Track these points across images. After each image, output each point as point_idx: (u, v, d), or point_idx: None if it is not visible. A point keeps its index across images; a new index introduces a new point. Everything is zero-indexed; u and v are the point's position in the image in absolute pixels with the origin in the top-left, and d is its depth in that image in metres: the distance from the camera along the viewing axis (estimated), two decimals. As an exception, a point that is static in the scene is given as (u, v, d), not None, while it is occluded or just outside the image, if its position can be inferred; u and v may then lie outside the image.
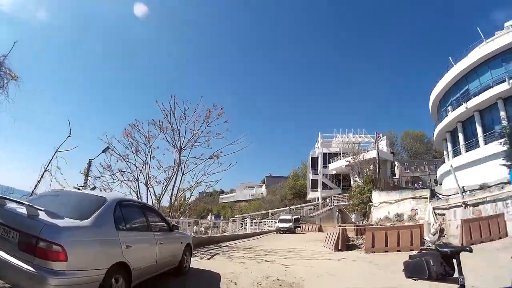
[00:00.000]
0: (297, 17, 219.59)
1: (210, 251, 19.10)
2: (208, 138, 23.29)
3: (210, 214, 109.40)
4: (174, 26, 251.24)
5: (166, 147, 23.39)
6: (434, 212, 25.41)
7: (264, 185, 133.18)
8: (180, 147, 22.87)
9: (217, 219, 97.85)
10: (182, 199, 25.48)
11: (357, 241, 24.09)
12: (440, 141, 54.59)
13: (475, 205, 21.37)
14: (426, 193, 29.66)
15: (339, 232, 21.79)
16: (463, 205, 22.18)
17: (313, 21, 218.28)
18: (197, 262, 14.06)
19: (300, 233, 48.88)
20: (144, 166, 22.60)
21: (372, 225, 33.86)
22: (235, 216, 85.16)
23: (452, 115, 45.36)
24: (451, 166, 29.39)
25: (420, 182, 69.51)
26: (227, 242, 26.62)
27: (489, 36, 40.51)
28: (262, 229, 54.85)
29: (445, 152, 52.19)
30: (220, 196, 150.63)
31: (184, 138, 22.85)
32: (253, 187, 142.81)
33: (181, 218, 23.76)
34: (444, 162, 52.14)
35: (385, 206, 37.06)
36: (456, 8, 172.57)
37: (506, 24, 42.21)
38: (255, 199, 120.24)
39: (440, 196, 28.61)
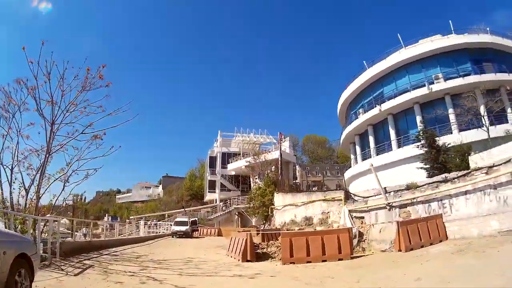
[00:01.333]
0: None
1: (85, 261, 14.45)
2: (88, 113, 17.14)
3: (106, 215, 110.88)
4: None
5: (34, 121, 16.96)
6: (350, 215, 23.09)
7: (161, 185, 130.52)
8: (53, 121, 16.46)
9: (113, 221, 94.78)
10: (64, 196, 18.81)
11: (268, 249, 19.79)
12: (348, 145, 53.37)
13: (402, 206, 18.94)
14: (340, 194, 26.56)
15: (246, 239, 17.32)
16: (387, 207, 19.66)
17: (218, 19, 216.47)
18: (56, 281, 9.90)
19: (198, 237, 44.96)
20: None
21: (278, 229, 29.97)
22: (130, 217, 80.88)
23: (363, 117, 44.22)
24: (372, 165, 26.64)
25: (324, 186, 65.79)
26: (112, 249, 21.66)
27: (408, 44, 41.09)
28: (157, 232, 51.12)
29: (352, 156, 51.19)
30: (117, 196, 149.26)
31: (58, 109, 16.36)
32: (150, 188, 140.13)
33: (48, 215, 16.60)
34: (350, 167, 51.00)
35: (291, 209, 34.56)
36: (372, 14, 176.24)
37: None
38: (151, 200, 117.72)
39: (356, 198, 25.66)
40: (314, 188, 62.08)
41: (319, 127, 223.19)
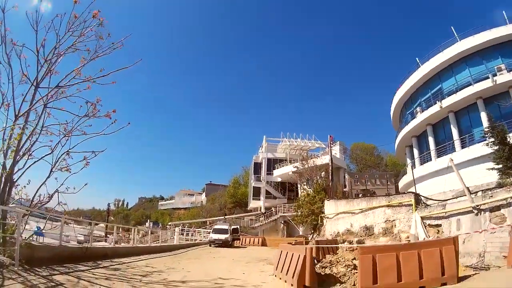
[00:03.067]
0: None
1: (58, 276, 10.36)
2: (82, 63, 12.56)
3: (148, 220, 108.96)
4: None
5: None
6: (423, 223, 19.33)
7: (204, 193, 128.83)
8: (37, 80, 12.25)
9: (154, 226, 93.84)
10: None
11: (334, 269, 14.45)
12: (402, 150, 49.36)
13: (493, 209, 14.93)
14: (409, 198, 22.64)
15: (305, 255, 11.78)
16: (474, 211, 15.83)
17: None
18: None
19: (239, 247, 40.80)
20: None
21: (334, 240, 26.48)
22: (169, 224, 78.59)
23: (421, 116, 40.12)
24: (451, 160, 23.35)
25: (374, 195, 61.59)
26: (120, 259, 17.29)
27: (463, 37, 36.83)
28: (195, 240, 47.72)
29: (408, 160, 46.53)
30: (160, 203, 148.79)
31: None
32: (193, 195, 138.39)
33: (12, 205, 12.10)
34: (405, 173, 46.39)
35: (345, 217, 31.33)
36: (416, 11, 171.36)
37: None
38: (194, 207, 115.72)
39: (430, 203, 21.84)
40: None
41: (366, 135, 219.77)
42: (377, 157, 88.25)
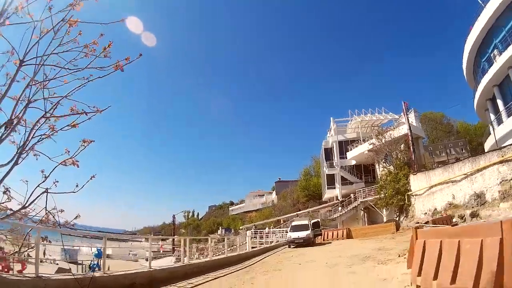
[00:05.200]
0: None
1: None
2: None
3: (220, 228, 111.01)
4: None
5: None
6: None
7: (274, 191, 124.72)
8: None
9: (227, 233, 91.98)
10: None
11: None
12: (483, 104, 42.98)
13: None
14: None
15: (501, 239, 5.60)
16: None
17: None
18: None
19: (323, 244, 35.83)
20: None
21: (435, 222, 21.75)
22: (240, 228, 75.43)
23: (500, 59, 33.88)
24: None
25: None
26: None
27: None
28: (270, 242, 43.85)
29: (492, 116, 40.51)
30: (230, 208, 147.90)
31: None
32: (263, 195, 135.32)
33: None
34: (489, 134, 41.19)
35: (443, 188, 27.08)
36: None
37: None
38: (265, 207, 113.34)
39: None
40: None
41: (433, 103, 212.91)
42: (447, 125, 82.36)
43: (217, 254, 34.53)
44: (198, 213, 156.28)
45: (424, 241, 8.03)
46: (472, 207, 22.10)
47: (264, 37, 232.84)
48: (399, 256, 14.63)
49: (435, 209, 28.82)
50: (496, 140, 28.79)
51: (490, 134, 40.59)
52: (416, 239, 8.97)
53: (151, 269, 13.80)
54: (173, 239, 65.80)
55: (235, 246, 40.42)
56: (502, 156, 20.02)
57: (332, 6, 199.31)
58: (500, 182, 20.03)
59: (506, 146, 20.59)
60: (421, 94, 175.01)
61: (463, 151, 46.61)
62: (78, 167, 7.72)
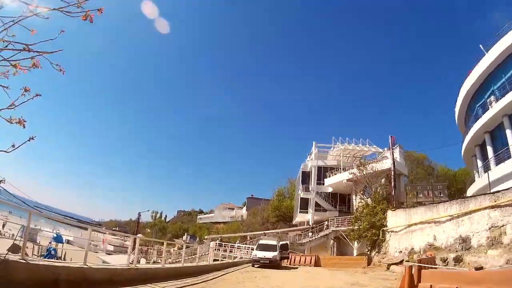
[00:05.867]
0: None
1: None
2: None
3: (186, 234, 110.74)
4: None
5: None
6: None
7: (245, 207, 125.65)
8: None
9: (191, 240, 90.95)
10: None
11: None
12: (471, 150, 42.08)
13: None
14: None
15: None
16: None
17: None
18: None
19: (289, 268, 33.95)
20: None
21: (420, 262, 20.52)
22: (205, 237, 74.17)
23: (497, 106, 32.99)
24: None
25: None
26: None
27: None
28: (234, 257, 42.09)
29: (479, 163, 39.82)
30: (199, 216, 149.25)
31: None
32: (233, 209, 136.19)
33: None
34: (473, 181, 40.43)
35: (424, 228, 26.55)
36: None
37: None
38: (234, 221, 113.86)
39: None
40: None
41: (417, 145, 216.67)
42: (428, 167, 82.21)
43: (175, 261, 32.39)
44: (166, 215, 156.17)
45: (431, 286, 6.47)
46: (456, 251, 21.03)
47: (251, 52, 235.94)
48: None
49: (412, 248, 27.77)
50: (489, 183, 27.75)
51: (474, 180, 40.10)
52: (418, 282, 7.58)
53: (85, 266, 10.89)
54: (135, 238, 64.26)
55: (195, 256, 38.55)
56: (495, 201, 19.00)
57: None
58: (490, 228, 18.99)
59: (500, 191, 19.51)
60: (407, 134, 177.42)
61: (441, 195, 45.81)
62: (24, 127, 6.37)
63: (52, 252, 35.17)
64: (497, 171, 31.68)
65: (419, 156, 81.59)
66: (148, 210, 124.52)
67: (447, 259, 21.20)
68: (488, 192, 22.52)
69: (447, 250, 22.16)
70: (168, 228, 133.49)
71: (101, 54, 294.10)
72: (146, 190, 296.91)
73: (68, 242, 53.13)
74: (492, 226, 18.90)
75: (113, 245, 73.58)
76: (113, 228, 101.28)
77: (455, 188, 60.48)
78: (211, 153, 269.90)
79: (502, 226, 18.24)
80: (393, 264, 29.25)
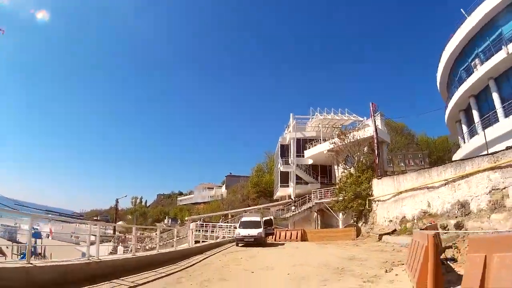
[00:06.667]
0: None
1: None
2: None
3: (167, 217, 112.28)
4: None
5: None
6: None
7: (224, 185, 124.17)
8: None
9: (172, 223, 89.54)
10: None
11: None
12: (455, 116, 41.29)
13: None
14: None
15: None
16: None
17: None
18: None
19: (275, 244, 31.83)
20: None
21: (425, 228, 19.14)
22: (186, 219, 72.73)
23: (482, 68, 32.19)
24: None
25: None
26: None
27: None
28: (216, 237, 40.73)
29: (464, 128, 39.03)
30: (178, 198, 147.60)
31: None
32: (213, 188, 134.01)
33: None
34: (459, 147, 40.17)
35: (416, 195, 25.78)
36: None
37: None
38: (214, 201, 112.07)
39: None
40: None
41: (395, 114, 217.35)
42: (407, 135, 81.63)
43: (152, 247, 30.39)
44: (146, 200, 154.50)
45: (486, 256, 4.95)
46: (456, 217, 19.91)
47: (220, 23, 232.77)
48: (386, 272, 11.82)
49: (404, 216, 26.81)
50: (486, 144, 26.73)
51: (459, 146, 39.53)
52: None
53: (29, 265, 8.69)
54: (114, 226, 62.82)
55: (177, 239, 36.58)
56: (495, 162, 17.85)
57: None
58: (490, 191, 17.90)
59: (500, 151, 18.34)
60: (385, 102, 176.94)
61: (423, 163, 45.16)
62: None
63: (32, 250, 33.77)
64: (482, 136, 30.92)
65: (398, 124, 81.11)
66: (126, 196, 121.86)
67: (447, 226, 20.12)
68: (486, 153, 21.42)
69: (445, 216, 21.10)
70: (149, 213, 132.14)
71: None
72: (124, 177, 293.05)
73: (48, 236, 51.52)
74: (492, 189, 17.85)
75: (95, 235, 71.84)
76: (95, 218, 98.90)
77: (435, 156, 59.95)
78: (186, 133, 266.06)
79: (504, 188, 17.20)
80: (385, 234, 28.29)
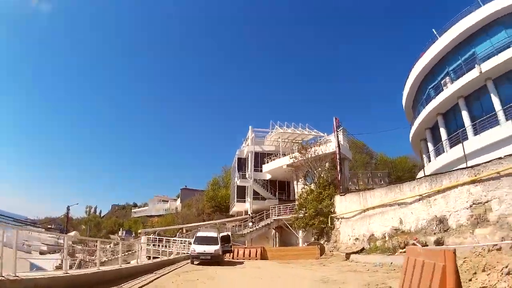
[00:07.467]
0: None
1: None
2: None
3: (121, 229, 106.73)
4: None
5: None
6: None
7: (179, 198, 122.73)
8: None
9: (127, 236, 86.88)
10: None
11: None
12: (421, 133, 40.68)
13: None
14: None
15: None
16: None
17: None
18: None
19: (233, 263, 29.50)
20: None
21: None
22: (139, 231, 70.35)
23: (454, 86, 31.89)
24: None
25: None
26: None
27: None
28: (169, 253, 37.11)
29: (430, 146, 38.60)
30: (133, 210, 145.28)
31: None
32: (167, 201, 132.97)
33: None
34: (423, 167, 38.43)
35: (386, 212, 24.91)
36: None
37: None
38: (168, 214, 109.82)
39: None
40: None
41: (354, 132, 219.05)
42: (366, 155, 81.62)
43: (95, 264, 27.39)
44: (101, 210, 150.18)
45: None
46: (434, 234, 18.74)
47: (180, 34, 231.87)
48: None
49: (372, 234, 25.65)
50: (465, 156, 25.75)
51: (418, 167, 39.11)
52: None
53: None
54: (65, 237, 59.37)
55: (129, 253, 33.68)
56: (475, 175, 16.84)
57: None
58: (471, 205, 17.05)
59: (481, 164, 17.37)
60: (347, 122, 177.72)
61: (382, 182, 44.45)
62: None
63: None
64: (450, 155, 31.40)
65: (358, 142, 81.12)
66: (77, 204, 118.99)
67: (425, 243, 18.81)
68: (466, 166, 20.30)
69: (421, 233, 20.07)
70: (103, 223, 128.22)
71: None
72: (78, 185, 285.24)
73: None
74: (473, 203, 17.01)
75: (47, 244, 68.11)
76: (48, 226, 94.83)
77: (394, 176, 59.44)
78: (142, 144, 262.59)
79: (487, 202, 16.50)
80: (353, 253, 26.77)
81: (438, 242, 18.03)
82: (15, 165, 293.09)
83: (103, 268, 15.01)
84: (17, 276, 8.48)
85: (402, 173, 64.69)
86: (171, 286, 13.91)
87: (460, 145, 29.28)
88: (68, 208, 69.12)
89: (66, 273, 11.03)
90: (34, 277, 9.48)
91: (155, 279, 15.87)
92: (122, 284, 12.71)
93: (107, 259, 41.67)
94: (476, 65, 29.31)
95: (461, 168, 19.72)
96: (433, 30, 35.79)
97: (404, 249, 19.96)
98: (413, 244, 16.85)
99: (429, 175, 23.68)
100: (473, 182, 17.12)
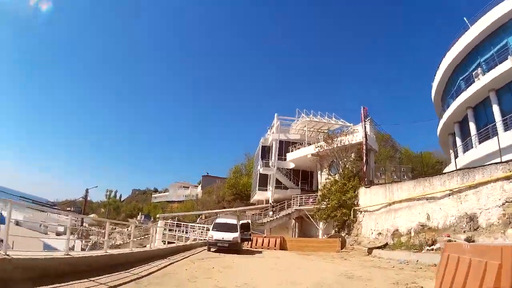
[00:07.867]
0: None
1: None
2: None
3: (140, 213, 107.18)
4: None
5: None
6: None
7: (200, 185, 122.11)
8: None
9: (145, 220, 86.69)
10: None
11: None
12: (450, 127, 39.22)
13: None
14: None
15: None
16: None
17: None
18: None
19: (252, 252, 28.67)
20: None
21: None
22: (157, 216, 70.09)
23: (485, 78, 30.01)
24: None
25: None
26: None
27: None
28: (186, 238, 36.48)
29: (458, 141, 37.04)
30: (153, 195, 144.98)
31: None
32: (188, 187, 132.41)
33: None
34: (454, 160, 35.55)
35: (413, 206, 23.82)
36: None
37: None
38: (188, 200, 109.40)
39: None
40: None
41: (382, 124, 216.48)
42: (391, 148, 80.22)
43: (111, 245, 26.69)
44: (121, 194, 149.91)
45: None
46: (464, 232, 17.82)
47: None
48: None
49: (397, 230, 24.91)
50: (500, 150, 24.59)
51: (441, 163, 37.75)
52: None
53: None
54: (82, 218, 59.61)
55: (137, 239, 32.92)
56: (510, 171, 15.74)
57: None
58: (504, 203, 16.00)
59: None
60: (374, 114, 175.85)
61: (405, 177, 43.28)
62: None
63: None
64: (479, 150, 29.59)
65: (383, 136, 79.73)
66: (97, 187, 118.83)
67: (455, 242, 17.98)
68: (500, 161, 19.27)
69: (450, 230, 19.05)
70: (123, 208, 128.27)
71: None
72: (102, 169, 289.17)
73: (18, 224, 48.50)
74: (506, 201, 16.06)
75: (64, 226, 68.46)
76: (67, 209, 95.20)
77: (417, 172, 58.21)
78: (167, 129, 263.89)
79: None
80: (375, 247, 26.02)
81: (469, 241, 17.16)
82: (46, 153, 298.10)
83: (110, 252, 14.24)
84: (7, 255, 7.82)
85: (426, 169, 63.56)
86: (184, 274, 12.99)
87: (489, 141, 28.32)
88: (86, 191, 68.61)
89: (67, 255, 10.26)
90: (28, 257, 8.70)
91: (168, 265, 15.23)
92: (131, 269, 11.98)
93: (122, 242, 41.47)
94: (509, 56, 27.69)
95: (495, 163, 18.75)
96: (465, 18, 34.11)
97: (431, 247, 19.25)
98: (449, 240, 15.93)
99: (461, 169, 22.57)
100: (507, 178, 16.26)
